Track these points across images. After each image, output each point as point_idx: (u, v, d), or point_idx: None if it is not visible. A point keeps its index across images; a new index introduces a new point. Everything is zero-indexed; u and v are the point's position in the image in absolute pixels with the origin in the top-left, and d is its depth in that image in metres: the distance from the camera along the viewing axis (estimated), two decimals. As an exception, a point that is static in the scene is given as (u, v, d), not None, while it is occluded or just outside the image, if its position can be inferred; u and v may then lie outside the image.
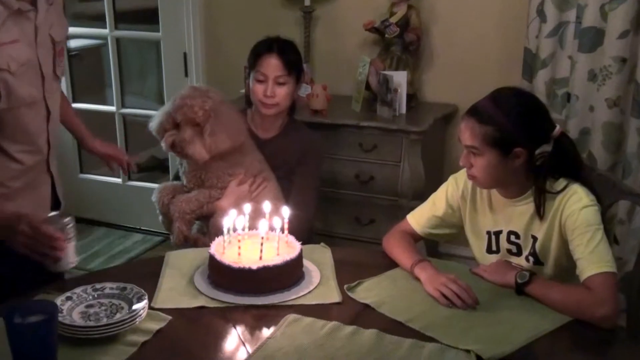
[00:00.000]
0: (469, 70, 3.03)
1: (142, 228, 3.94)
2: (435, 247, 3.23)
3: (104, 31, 3.73)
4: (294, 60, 2.28)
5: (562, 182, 1.71)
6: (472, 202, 1.85)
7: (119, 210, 3.98)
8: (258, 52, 2.29)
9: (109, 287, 1.56)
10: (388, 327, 1.48)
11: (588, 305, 1.54)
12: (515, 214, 1.77)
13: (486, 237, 1.84)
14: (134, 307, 1.46)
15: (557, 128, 1.72)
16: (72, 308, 1.49)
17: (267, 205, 1.73)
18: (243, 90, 3.19)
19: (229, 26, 3.46)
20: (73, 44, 3.95)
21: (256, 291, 1.59)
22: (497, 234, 1.82)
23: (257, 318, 1.53)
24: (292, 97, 2.30)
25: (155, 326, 1.47)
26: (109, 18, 3.68)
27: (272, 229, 1.68)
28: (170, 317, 1.50)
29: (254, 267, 1.59)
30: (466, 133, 1.71)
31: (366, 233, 2.91)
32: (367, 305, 1.58)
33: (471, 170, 1.74)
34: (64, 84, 3.79)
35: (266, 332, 1.46)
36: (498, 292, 1.66)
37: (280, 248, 1.66)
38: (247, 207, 1.75)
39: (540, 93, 2.74)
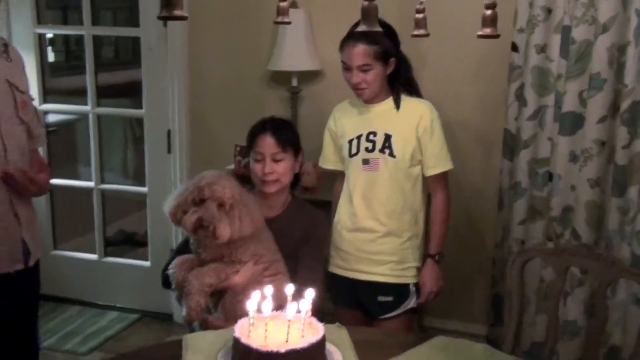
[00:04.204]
0: (452, 149, 3.15)
1: (117, 305, 3.85)
2: (420, 320, 3.27)
3: (86, 108, 3.73)
4: (288, 137, 2.35)
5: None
6: (340, 124, 2.45)
7: (94, 288, 3.89)
8: (254, 133, 2.36)
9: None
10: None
11: (447, 205, 2.40)
12: (376, 115, 2.36)
13: (347, 145, 2.39)
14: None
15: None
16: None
17: (290, 288, 1.74)
18: (231, 167, 3.24)
19: (215, 104, 3.53)
20: (51, 118, 3.94)
21: (283, 375, 1.58)
22: (359, 137, 2.36)
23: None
24: (291, 173, 2.36)
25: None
26: (90, 94, 3.68)
27: (299, 311, 1.70)
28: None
29: (282, 350, 1.59)
30: (358, 55, 2.25)
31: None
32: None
33: (363, 84, 2.29)
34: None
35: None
36: None
37: (304, 330, 1.67)
38: (269, 289, 1.76)
39: (522, 171, 2.88)
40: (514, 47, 2.85)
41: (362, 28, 0.96)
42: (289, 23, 1.41)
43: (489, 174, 3.17)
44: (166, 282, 2.22)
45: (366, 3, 0.95)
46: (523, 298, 2.18)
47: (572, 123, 2.70)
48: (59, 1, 4.27)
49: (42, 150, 3.65)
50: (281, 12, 1.39)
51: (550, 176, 2.82)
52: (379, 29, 0.98)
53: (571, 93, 2.68)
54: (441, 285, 2.43)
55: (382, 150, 2.34)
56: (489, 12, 1.12)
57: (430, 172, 2.38)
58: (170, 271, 2.19)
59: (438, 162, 2.37)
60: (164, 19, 1.02)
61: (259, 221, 2.13)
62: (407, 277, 2.41)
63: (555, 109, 2.77)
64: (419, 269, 2.43)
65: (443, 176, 2.41)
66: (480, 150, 3.18)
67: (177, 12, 1.00)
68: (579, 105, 2.68)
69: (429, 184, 2.43)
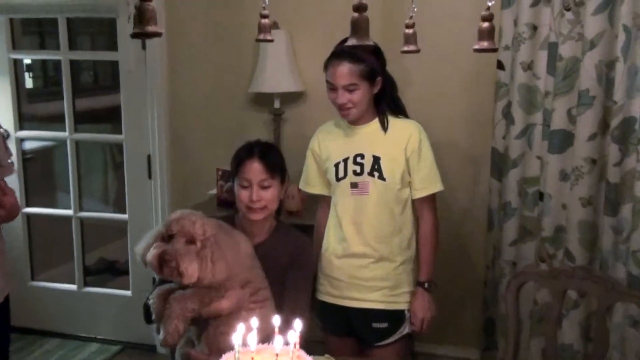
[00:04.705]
0: (439, 169, 3.09)
1: (98, 337, 3.72)
2: (411, 346, 3.18)
3: (63, 134, 3.64)
4: (276, 163, 2.27)
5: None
6: (324, 147, 2.37)
7: (74, 319, 3.76)
8: (240, 158, 2.26)
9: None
10: None
11: (436, 228, 2.32)
12: (362, 136, 2.28)
13: (334, 169, 2.30)
14: None
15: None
16: None
17: (277, 319, 1.66)
18: (213, 192, 3.16)
19: (196, 127, 3.45)
20: (27, 146, 3.84)
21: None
22: (345, 160, 2.28)
23: None
24: (278, 199, 2.27)
25: None
26: (68, 120, 3.60)
27: (287, 343, 1.61)
28: None
29: (270, 386, 1.50)
30: (343, 74, 2.18)
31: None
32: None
33: (349, 104, 2.21)
34: (16, 186, 3.66)
35: None
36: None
37: (293, 364, 1.58)
38: (254, 321, 1.67)
39: (512, 191, 2.83)
40: (500, 65, 2.81)
41: (352, 42, 0.89)
42: (271, 41, 1.34)
43: (477, 194, 3.11)
44: (147, 315, 2.12)
45: (356, 15, 0.89)
46: (519, 322, 2.11)
47: (562, 141, 2.66)
48: (37, 27, 4.18)
49: (17, 178, 3.57)
50: (263, 29, 1.32)
51: (540, 195, 2.76)
52: (370, 42, 0.91)
53: (560, 110, 2.64)
54: (433, 313, 2.34)
55: (371, 173, 2.26)
56: (485, 24, 1.05)
57: (419, 195, 2.30)
58: (150, 301, 2.08)
59: (427, 184, 2.30)
60: (138, 36, 0.95)
61: (234, 265, 1.97)
62: (401, 302, 2.33)
63: (544, 127, 2.72)
64: (412, 294, 2.34)
65: (431, 198, 2.33)
66: (468, 170, 3.12)
67: (151, 29, 0.92)
68: (568, 122, 2.64)
69: (416, 207, 2.35)
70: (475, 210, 3.13)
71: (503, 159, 2.86)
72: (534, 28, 2.69)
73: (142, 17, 0.93)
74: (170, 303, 1.97)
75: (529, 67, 2.72)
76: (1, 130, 2.03)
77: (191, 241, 1.89)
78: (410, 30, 1.27)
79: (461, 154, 3.11)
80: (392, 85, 2.35)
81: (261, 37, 1.32)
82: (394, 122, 2.31)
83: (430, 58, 2.97)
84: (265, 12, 1.32)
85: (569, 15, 2.57)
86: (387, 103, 2.32)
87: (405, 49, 1.30)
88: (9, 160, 2.09)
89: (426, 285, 2.32)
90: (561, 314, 2.63)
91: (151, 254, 1.88)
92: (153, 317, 2.05)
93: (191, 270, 1.86)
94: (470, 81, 3.03)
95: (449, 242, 3.05)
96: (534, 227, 2.80)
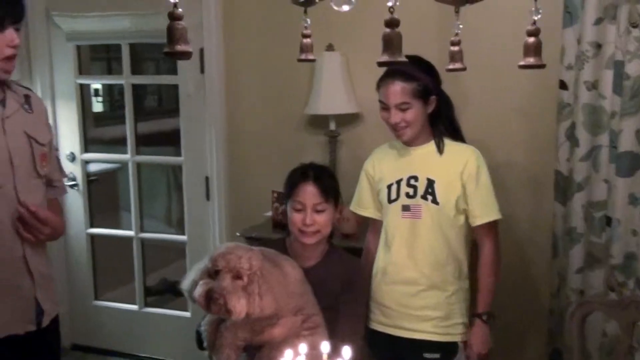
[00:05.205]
0: (499, 193, 2.99)
1: (157, 357, 3.76)
2: None
3: (125, 156, 3.73)
4: (330, 186, 2.23)
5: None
6: (378, 168, 2.32)
7: (134, 339, 3.82)
8: (294, 181, 2.23)
9: None
10: None
11: (496, 257, 2.22)
12: (417, 158, 2.22)
13: (386, 190, 2.24)
14: None
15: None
16: None
17: (326, 346, 1.61)
18: (269, 214, 3.15)
19: (253, 149, 3.47)
20: (93, 168, 3.95)
21: None
22: (399, 182, 2.22)
23: None
24: (332, 223, 2.24)
25: None
26: (130, 142, 3.69)
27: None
28: None
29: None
30: (396, 93, 2.13)
31: None
32: None
33: (402, 124, 2.16)
34: (81, 207, 3.77)
35: None
36: None
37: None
38: (303, 347, 1.63)
39: (578, 216, 2.69)
40: (563, 85, 2.70)
41: (383, 58, 0.86)
42: (313, 60, 1.32)
43: (540, 219, 2.98)
44: (200, 342, 2.11)
45: (388, 31, 0.85)
46: (585, 354, 1.99)
47: (630, 164, 2.51)
48: (105, 52, 4.33)
49: (82, 200, 3.67)
50: (305, 49, 1.29)
51: (608, 220, 2.62)
52: (403, 58, 0.87)
53: (627, 131, 2.50)
54: (490, 346, 2.23)
55: (424, 197, 2.19)
56: (531, 39, 1.00)
57: (478, 222, 2.21)
58: (202, 328, 2.07)
59: (485, 212, 2.21)
60: (168, 55, 0.94)
61: (282, 299, 1.93)
62: (454, 334, 2.23)
63: (610, 149, 2.59)
64: (467, 325, 2.24)
65: (492, 225, 2.24)
66: (531, 193, 3.00)
67: (180, 48, 0.91)
68: (636, 144, 2.50)
69: (476, 234, 2.26)
70: (538, 236, 3.00)
71: (567, 182, 2.74)
72: (598, 46, 2.57)
73: (171, 36, 0.92)
74: (221, 332, 1.96)
75: (593, 86, 2.60)
76: (57, 152, 2.08)
77: (238, 276, 1.86)
78: (455, 48, 1.22)
79: (523, 177, 3.00)
80: (448, 105, 2.28)
81: (303, 56, 1.30)
82: (450, 145, 2.24)
83: (488, 77, 2.91)
84: (307, 31, 1.30)
85: (635, 32, 2.45)
86: (443, 124, 2.26)
87: (451, 67, 1.25)
88: (64, 181, 2.13)
89: (484, 317, 2.22)
90: (632, 347, 2.47)
91: (198, 292, 1.86)
92: (205, 344, 2.05)
93: (239, 308, 1.83)
94: (530, 101, 2.93)
95: (512, 268, 2.93)
96: (602, 254, 2.65)
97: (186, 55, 0.92)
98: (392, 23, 0.84)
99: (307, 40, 1.29)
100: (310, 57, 1.30)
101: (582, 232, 2.71)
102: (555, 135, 2.76)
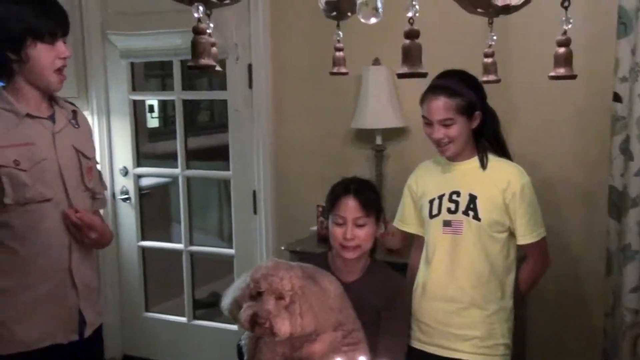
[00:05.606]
0: (551, 209, 2.91)
1: (204, 370, 3.80)
2: None
3: (175, 171, 3.80)
4: (372, 200, 2.21)
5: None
6: (421, 183, 2.29)
7: (183, 351, 3.86)
8: (335, 195, 2.23)
9: None
10: None
11: (535, 275, 2.26)
12: (460, 173, 2.18)
13: (428, 205, 2.21)
14: None
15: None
16: None
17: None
18: (314, 228, 3.15)
19: (299, 164, 3.48)
20: (145, 182, 4.04)
21: None
22: (441, 197, 2.19)
23: None
24: (373, 237, 2.22)
25: None
26: (180, 158, 3.76)
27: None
28: None
29: None
30: (439, 109, 2.09)
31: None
32: None
33: (445, 140, 2.12)
34: (133, 220, 3.86)
35: None
36: None
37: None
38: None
39: (632, 232, 2.59)
40: (617, 97, 2.61)
41: (403, 70, 0.84)
42: (345, 74, 1.32)
43: (593, 235, 2.88)
44: (240, 355, 2.12)
45: (407, 42, 0.84)
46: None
47: (689, 179, 2.41)
48: (160, 69, 4.44)
49: (134, 213, 3.74)
50: (337, 62, 1.29)
51: (665, 239, 2.51)
52: (422, 69, 0.86)
53: (686, 145, 2.40)
54: None
55: (465, 212, 2.15)
56: (562, 49, 0.97)
57: (522, 242, 2.17)
58: (242, 342, 2.09)
59: (529, 231, 2.16)
60: (193, 68, 0.95)
61: (322, 316, 1.94)
62: (495, 355, 2.17)
63: (668, 164, 2.49)
64: (508, 347, 2.18)
65: (538, 244, 2.19)
66: (583, 209, 2.91)
67: (203, 61, 0.92)
68: (696, 158, 2.40)
69: (525, 252, 2.23)
70: (591, 253, 2.89)
71: (622, 197, 2.64)
72: (654, 57, 2.48)
73: (195, 50, 0.93)
74: (260, 347, 1.97)
75: (648, 98, 2.51)
76: (98, 165, 2.14)
77: (280, 297, 1.88)
78: (489, 60, 1.20)
79: (575, 192, 2.91)
80: (494, 120, 2.24)
81: (335, 69, 1.30)
82: (494, 161, 2.19)
83: (538, 90, 2.83)
84: (340, 45, 1.30)
85: (693, 41, 2.36)
86: (487, 139, 2.22)
87: (485, 79, 1.23)
88: (104, 193, 2.19)
89: None
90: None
91: (243, 317, 1.88)
92: (245, 357, 2.06)
93: (284, 330, 1.85)
94: (582, 114, 2.84)
95: (563, 286, 2.84)
96: (658, 272, 2.55)
97: (209, 68, 0.93)
98: (411, 34, 0.83)
99: (339, 54, 1.29)
100: (343, 70, 1.30)
101: (637, 249, 2.60)
102: (609, 149, 2.67)
